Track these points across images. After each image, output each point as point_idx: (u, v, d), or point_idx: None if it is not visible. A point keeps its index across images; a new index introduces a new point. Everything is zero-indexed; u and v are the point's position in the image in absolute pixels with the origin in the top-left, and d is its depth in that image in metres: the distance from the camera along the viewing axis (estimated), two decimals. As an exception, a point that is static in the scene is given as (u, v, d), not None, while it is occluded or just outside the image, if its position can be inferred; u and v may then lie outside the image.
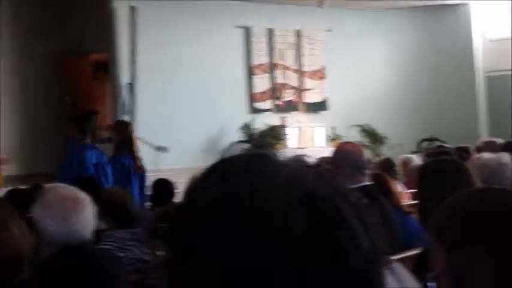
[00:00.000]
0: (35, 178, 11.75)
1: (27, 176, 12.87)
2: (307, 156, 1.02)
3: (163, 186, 6.44)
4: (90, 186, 5.63)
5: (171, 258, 0.99)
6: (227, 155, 1.03)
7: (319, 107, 18.41)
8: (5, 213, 1.88)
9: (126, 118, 15.30)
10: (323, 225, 0.93)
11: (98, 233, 4.83)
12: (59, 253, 3.44)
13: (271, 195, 0.94)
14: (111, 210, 4.98)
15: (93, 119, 8.42)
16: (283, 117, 17.45)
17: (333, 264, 0.92)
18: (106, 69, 16.10)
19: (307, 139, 17.51)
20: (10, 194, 5.56)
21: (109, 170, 8.41)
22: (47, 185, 3.66)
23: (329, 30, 18.34)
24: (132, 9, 15.23)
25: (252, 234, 0.92)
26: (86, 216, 3.47)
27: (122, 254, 4.68)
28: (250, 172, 0.97)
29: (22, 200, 4.62)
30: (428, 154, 9.25)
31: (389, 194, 5.58)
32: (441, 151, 8.30)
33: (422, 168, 4.17)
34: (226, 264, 0.92)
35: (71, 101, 16.48)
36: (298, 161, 1.00)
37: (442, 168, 3.84)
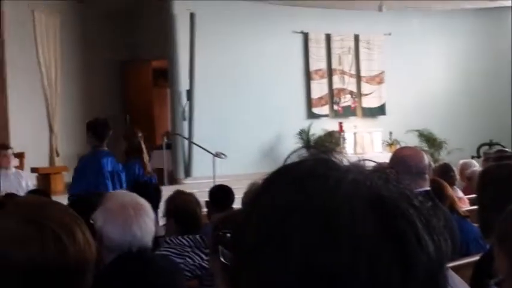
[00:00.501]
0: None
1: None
2: (370, 161, 1.02)
3: (222, 193, 6.45)
4: (150, 192, 5.69)
5: (234, 265, 0.99)
6: (290, 161, 1.03)
7: (377, 112, 18.32)
8: (70, 219, 1.91)
9: (185, 124, 15.46)
10: (390, 229, 0.93)
11: (157, 239, 4.87)
12: (119, 259, 3.48)
13: (338, 200, 0.93)
14: (178, 215, 5.01)
15: (110, 126, 8.54)
16: (340, 123, 17.40)
17: (399, 267, 0.92)
18: (165, 76, 16.27)
19: (364, 144, 17.42)
20: (72, 200, 5.65)
21: (124, 178, 8.53)
22: (108, 192, 3.72)
23: (388, 34, 18.23)
24: (192, 16, 15.34)
25: (320, 240, 0.92)
26: (146, 223, 3.51)
27: (180, 261, 4.72)
28: (315, 177, 0.97)
29: (84, 206, 4.69)
30: (487, 159, 9.12)
31: (445, 199, 5.53)
32: (502, 155, 8.17)
33: (483, 173, 4.10)
34: (293, 270, 0.91)
35: (131, 119, 16.75)
36: (362, 166, 1.00)
37: (504, 173, 3.77)
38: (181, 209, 5.01)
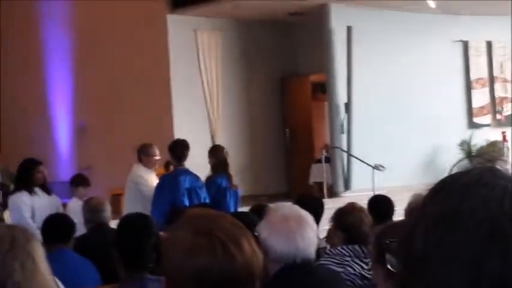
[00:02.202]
0: (259, 198, 12.16)
1: (252, 197, 13.29)
2: None
3: (382, 203, 6.43)
4: (312, 204, 5.76)
5: (402, 272, 1.01)
6: (455, 170, 1.04)
7: (542, 120, 17.67)
8: (238, 231, 1.99)
9: (343, 137, 15.47)
10: None
11: (319, 251, 4.92)
12: (283, 270, 3.55)
13: (505, 208, 0.93)
14: (345, 227, 5.04)
15: (188, 147, 9.13)
16: (503, 132, 16.90)
17: None
18: (324, 89, 16.36)
19: (530, 154, 16.85)
20: (237, 214, 5.80)
21: (203, 194, 9.02)
22: (271, 205, 3.80)
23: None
24: (349, 29, 15.36)
25: (487, 248, 0.92)
26: (309, 234, 3.56)
27: (340, 269, 4.75)
28: (482, 185, 0.97)
29: (248, 219, 4.82)
30: None
31: None
32: None
33: None
34: (460, 278, 0.92)
35: (290, 133, 16.99)
36: None
37: None
38: (350, 222, 5.03)
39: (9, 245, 2.19)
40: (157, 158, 9.57)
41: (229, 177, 9.49)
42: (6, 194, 9.76)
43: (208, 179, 9.68)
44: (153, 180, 9.46)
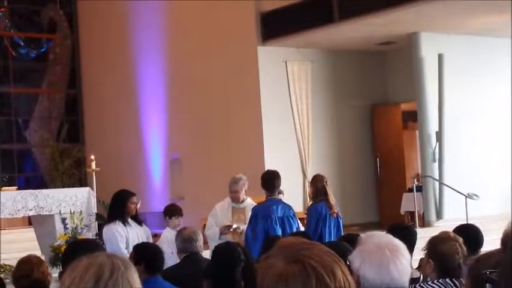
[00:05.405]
0: (350, 228, 12.09)
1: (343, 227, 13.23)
2: None
3: (469, 233, 6.30)
4: (405, 233, 5.70)
5: None
6: None
7: None
8: (330, 259, 2.01)
9: (435, 166, 15.24)
10: None
11: (412, 281, 4.85)
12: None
13: None
14: (437, 256, 4.97)
15: (278, 177, 9.26)
16: None
17: None
18: (414, 118, 16.23)
19: None
20: (330, 243, 5.81)
21: (295, 222, 9.19)
22: (364, 234, 3.79)
23: None
24: (440, 57, 15.21)
25: None
26: (403, 263, 3.53)
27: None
28: None
29: (341, 248, 4.82)
30: None
31: None
32: None
33: None
34: None
35: (381, 162, 16.91)
36: None
37: None
38: (444, 251, 4.95)
39: (110, 272, 2.25)
40: None
41: (329, 205, 9.59)
42: (101, 225, 9.96)
43: (309, 207, 9.92)
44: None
